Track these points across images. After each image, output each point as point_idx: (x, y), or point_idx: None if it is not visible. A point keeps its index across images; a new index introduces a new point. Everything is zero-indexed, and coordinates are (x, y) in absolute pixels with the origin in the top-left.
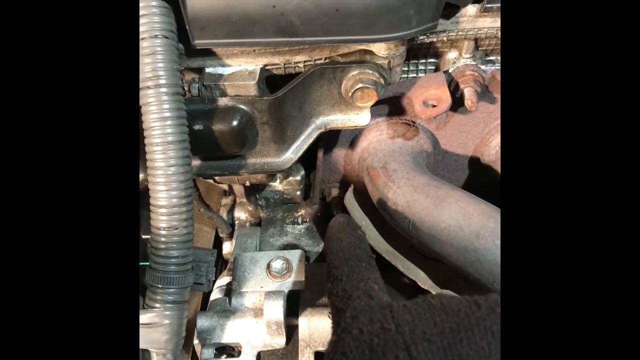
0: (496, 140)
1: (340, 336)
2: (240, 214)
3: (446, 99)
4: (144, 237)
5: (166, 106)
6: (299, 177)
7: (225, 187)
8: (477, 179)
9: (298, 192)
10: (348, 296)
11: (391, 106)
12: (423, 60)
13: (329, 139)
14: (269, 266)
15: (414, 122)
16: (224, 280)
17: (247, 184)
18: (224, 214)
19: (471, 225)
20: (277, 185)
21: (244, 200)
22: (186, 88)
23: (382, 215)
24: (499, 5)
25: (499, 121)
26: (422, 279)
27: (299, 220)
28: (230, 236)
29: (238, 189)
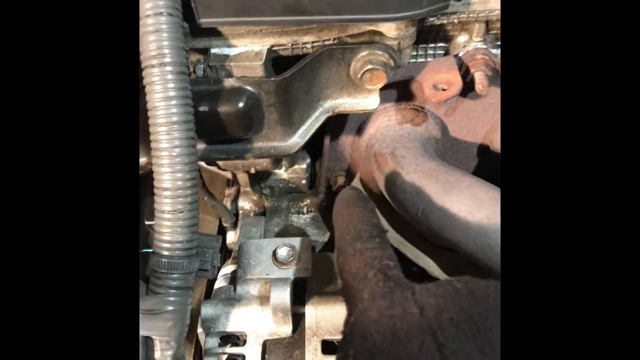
0: None
1: (359, 319)
2: (245, 204)
3: (457, 82)
4: (148, 223)
5: (171, 85)
6: (304, 165)
7: (229, 176)
8: (486, 167)
9: (303, 181)
10: (363, 275)
11: (400, 91)
12: (432, 45)
13: (335, 125)
14: (274, 253)
15: (422, 108)
16: (228, 268)
17: (252, 170)
18: (227, 203)
19: (482, 210)
20: (282, 173)
21: (248, 189)
22: (191, 69)
23: (389, 203)
24: None
25: None
26: (431, 267)
27: (304, 210)
28: (234, 226)
29: (242, 177)
